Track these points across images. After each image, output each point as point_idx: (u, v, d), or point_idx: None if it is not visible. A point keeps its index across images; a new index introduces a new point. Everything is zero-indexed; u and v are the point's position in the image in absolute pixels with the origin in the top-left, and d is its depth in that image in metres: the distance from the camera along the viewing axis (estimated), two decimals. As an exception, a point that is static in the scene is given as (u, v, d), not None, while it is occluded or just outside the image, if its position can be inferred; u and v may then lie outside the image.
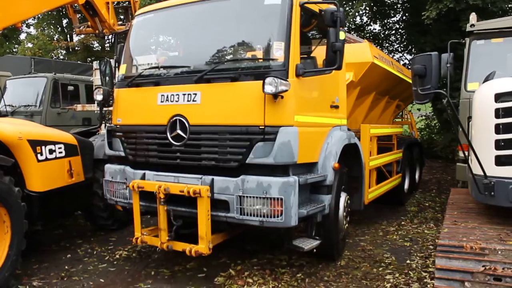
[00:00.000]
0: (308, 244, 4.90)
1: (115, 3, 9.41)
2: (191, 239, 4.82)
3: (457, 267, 3.20)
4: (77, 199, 6.18)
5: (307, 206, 4.76)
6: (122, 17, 10.30)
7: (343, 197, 5.57)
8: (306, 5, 4.82)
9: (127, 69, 5.73)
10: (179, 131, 4.89)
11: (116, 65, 6.09)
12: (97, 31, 8.92)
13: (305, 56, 5.06)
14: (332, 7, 4.63)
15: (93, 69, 10.83)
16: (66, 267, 5.41)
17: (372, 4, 17.33)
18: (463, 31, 11.88)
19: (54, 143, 5.61)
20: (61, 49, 25.81)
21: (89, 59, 22.28)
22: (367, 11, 18.23)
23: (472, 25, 7.13)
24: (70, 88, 11.38)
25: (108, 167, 5.61)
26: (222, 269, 5.30)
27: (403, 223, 7.69)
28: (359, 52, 6.65)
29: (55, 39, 25.51)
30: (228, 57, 5.06)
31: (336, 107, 5.49)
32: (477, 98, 4.05)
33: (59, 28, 26.08)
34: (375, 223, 7.58)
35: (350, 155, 5.76)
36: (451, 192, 5.67)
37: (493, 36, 7.00)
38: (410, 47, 18.76)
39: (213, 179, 4.64)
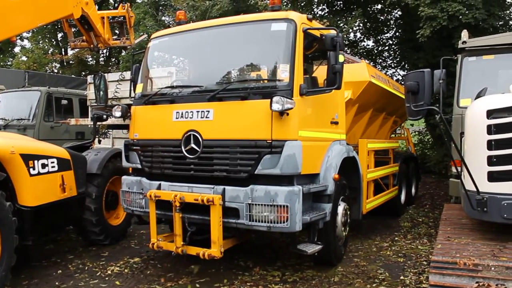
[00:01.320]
0: (311, 248, 5.28)
1: (110, 18, 9.47)
2: (204, 244, 5.19)
3: (450, 284, 3.19)
4: (69, 214, 6.15)
5: (310, 213, 5.15)
6: (117, 31, 10.31)
7: (341, 206, 5.94)
8: (308, 30, 5.27)
9: (143, 88, 6.17)
10: (193, 145, 5.31)
11: (132, 84, 6.54)
12: (92, 46, 8.91)
13: (307, 76, 5.46)
14: (332, 32, 5.13)
15: (87, 83, 10.80)
16: (57, 283, 5.34)
17: (365, 20, 17.53)
18: (455, 47, 12.04)
19: (47, 157, 5.58)
20: (56, 62, 25.85)
21: (84, 73, 22.30)
22: (360, 28, 18.40)
23: (464, 42, 7.22)
24: (64, 102, 11.34)
25: (125, 178, 6.00)
26: (215, 285, 5.25)
27: (396, 238, 7.68)
28: (357, 72, 7.04)
29: (49, 52, 25.54)
30: (238, 78, 5.59)
31: (336, 123, 5.93)
32: (469, 115, 4.09)
33: (54, 41, 26.15)
34: (369, 238, 7.56)
35: (349, 168, 6.15)
36: (444, 207, 5.68)
37: (484, 53, 7.08)
38: (403, 63, 18.92)
39: (224, 188, 5.05)
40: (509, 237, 3.94)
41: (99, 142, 8.91)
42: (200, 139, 5.28)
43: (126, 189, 5.91)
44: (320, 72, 5.59)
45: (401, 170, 9.35)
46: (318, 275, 5.63)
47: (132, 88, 6.50)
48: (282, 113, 4.81)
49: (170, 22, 20.97)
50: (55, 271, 5.75)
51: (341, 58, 5.05)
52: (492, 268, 3.20)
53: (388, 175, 8.61)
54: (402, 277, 5.57)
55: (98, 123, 8.34)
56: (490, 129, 3.81)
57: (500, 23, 13.75)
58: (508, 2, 15.43)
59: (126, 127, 9.74)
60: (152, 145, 5.77)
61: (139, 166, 5.86)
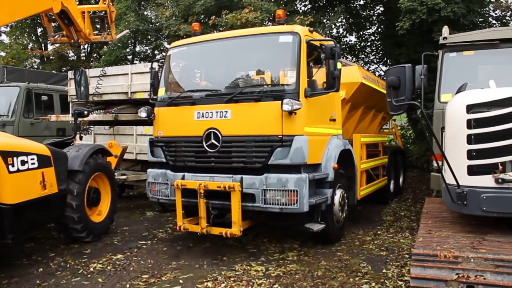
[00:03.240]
0: (316, 226, 6.17)
1: (91, 12, 9.33)
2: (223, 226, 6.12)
3: (431, 276, 3.24)
4: (50, 211, 6.05)
5: (315, 197, 6.03)
6: (98, 26, 10.18)
7: (338, 192, 6.75)
8: (310, 41, 6.12)
9: (165, 92, 6.96)
10: (213, 141, 6.16)
11: (151, 89, 7.24)
12: (72, 41, 8.80)
13: (308, 79, 6.17)
14: (331, 43, 6.03)
15: (68, 78, 10.66)
16: (38, 281, 5.25)
17: (348, 16, 17.60)
18: (436, 42, 12.19)
19: (27, 154, 5.48)
20: (35, 58, 25.37)
21: (64, 69, 21.95)
22: (343, 23, 18.49)
23: (445, 38, 7.29)
24: (44, 98, 11.17)
25: (151, 171, 6.82)
26: (198, 281, 5.24)
27: (379, 232, 7.75)
28: (350, 74, 7.71)
29: (29, 48, 25.06)
30: (251, 83, 6.53)
31: (334, 120, 6.86)
32: (450, 109, 4.13)
33: (34, 36, 25.62)
34: (352, 232, 7.62)
35: (345, 159, 6.93)
36: (426, 201, 5.75)
37: (464, 49, 7.15)
38: (385, 59, 19.10)
39: (242, 177, 5.90)
40: (488, 230, 4.01)
41: (81, 138, 8.83)
42: (220, 136, 6.12)
43: (152, 180, 6.72)
44: (318, 75, 6.33)
45: (390, 162, 10.25)
46: (302, 269, 5.66)
47: (151, 91, 7.20)
48: (291, 112, 5.68)
49: (152, 17, 20.78)
50: (36, 269, 5.65)
51: (339, 65, 5.96)
52: (472, 260, 3.25)
53: (378, 166, 9.48)
54: (384, 270, 5.63)
55: (79, 119, 8.25)
56: (470, 124, 3.86)
57: (480, 19, 13.94)
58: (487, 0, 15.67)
59: (107, 123, 9.69)
60: (175, 142, 6.57)
61: (163, 160, 6.67)
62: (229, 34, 7.07)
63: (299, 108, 5.69)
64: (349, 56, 19.23)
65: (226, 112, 6.11)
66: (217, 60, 6.93)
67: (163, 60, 7.45)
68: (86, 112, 7.49)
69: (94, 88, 9.65)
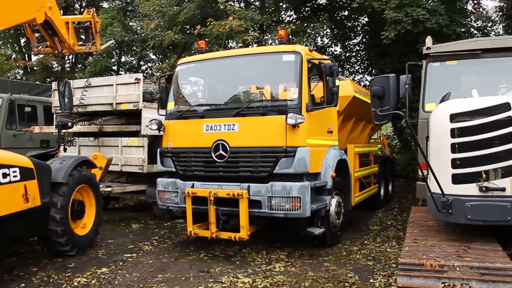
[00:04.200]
0: (317, 230, 6.62)
1: (76, 23, 9.27)
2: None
3: (417, 285, 3.24)
4: (32, 224, 5.92)
5: (315, 203, 6.47)
6: (83, 37, 10.12)
7: (335, 199, 7.16)
8: (311, 60, 6.66)
9: (174, 105, 7.36)
10: (221, 152, 6.59)
11: (159, 102, 7.70)
12: (56, 51, 8.68)
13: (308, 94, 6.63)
14: (329, 62, 6.57)
15: (52, 90, 10.54)
16: (20, 297, 5.15)
17: (333, 26, 17.76)
18: (420, 53, 12.35)
19: (8, 166, 5.38)
20: (19, 69, 25.11)
21: (48, 80, 21.73)
22: (328, 33, 18.63)
23: (428, 48, 7.38)
24: (27, 109, 11.04)
25: (161, 180, 7.24)
26: (184, 294, 5.18)
27: (366, 242, 7.75)
28: (343, 88, 7.79)
29: (12, 58, 24.79)
30: (257, 98, 7.03)
31: (331, 132, 7.38)
32: (434, 119, 4.17)
33: (17, 47, 25.37)
34: (339, 243, 7.60)
35: (340, 168, 7.36)
36: (412, 210, 5.78)
37: (447, 59, 7.25)
38: (370, 69, 19.28)
39: (249, 185, 6.33)
40: (473, 238, 4.02)
41: (65, 150, 8.70)
42: (228, 147, 6.54)
43: (162, 189, 7.12)
44: (316, 89, 6.90)
45: (380, 170, 10.83)
46: (289, 280, 5.62)
47: (159, 105, 7.64)
48: (294, 125, 6.15)
49: (138, 28, 20.75)
50: (18, 285, 5.51)
51: (337, 82, 6.47)
52: (457, 269, 3.26)
53: (369, 174, 10.06)
54: (371, 280, 5.61)
55: (64, 130, 8.14)
56: (454, 133, 3.89)
57: (462, 29, 14.18)
58: (469, 10, 15.96)
59: (92, 134, 9.59)
60: (185, 152, 6.99)
61: (173, 169, 7.07)
62: (235, 52, 7.76)
63: (302, 122, 6.18)
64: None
65: (234, 125, 6.56)
66: (224, 76, 7.47)
67: (168, 74, 8.03)
68: (70, 124, 7.39)
69: (78, 99, 9.56)
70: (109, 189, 9.04)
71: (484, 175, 3.76)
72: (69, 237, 6.46)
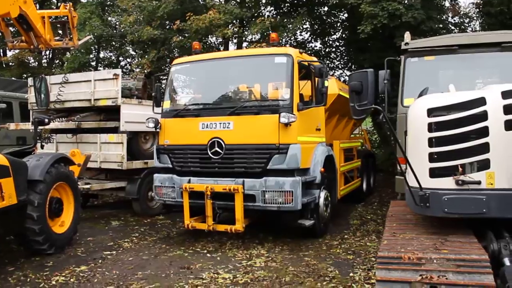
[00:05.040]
0: (307, 222, 7.06)
1: (52, 18, 9.08)
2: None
3: (396, 278, 3.27)
4: (9, 223, 5.81)
5: (306, 197, 6.89)
6: (60, 32, 9.91)
7: (323, 192, 7.53)
8: (301, 62, 7.09)
9: (170, 104, 7.72)
10: (217, 149, 6.96)
11: (154, 101, 8.00)
12: (32, 46, 8.47)
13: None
14: (319, 64, 7.00)
15: (28, 86, 10.33)
16: (-4, 297, 5.06)
17: (312, 22, 17.80)
18: (398, 48, 12.46)
19: (-17, 164, 5.26)
20: (-7, 64, 24.50)
21: (25, 76, 21.29)
22: (308, 28, 18.65)
23: (406, 44, 7.45)
24: (2, 105, 10.81)
25: (157, 175, 7.56)
26: (165, 291, 5.15)
27: (346, 236, 7.83)
28: (328, 86, 8.03)
29: (-14, 54, 24.19)
30: (251, 98, 7.37)
31: (319, 129, 7.83)
32: (411, 113, 4.20)
33: (-9, 42, 24.78)
34: (326, 233, 7.68)
35: (327, 163, 7.74)
36: (391, 204, 5.84)
37: (426, 54, 7.33)
38: (350, 64, 19.39)
39: (243, 180, 6.71)
40: (450, 231, 4.08)
41: (42, 147, 8.55)
42: (223, 144, 6.90)
43: (159, 184, 7.46)
44: (305, 88, 7.24)
45: (363, 165, 11.33)
46: (269, 275, 5.64)
47: (154, 104, 7.93)
48: (287, 124, 6.53)
49: (117, 23, 20.48)
50: (-6, 285, 5.44)
51: (326, 83, 6.88)
52: (435, 261, 3.31)
53: (353, 169, 10.54)
54: (351, 274, 5.69)
55: (40, 127, 8.00)
56: (431, 127, 3.92)
57: (439, 25, 14.36)
58: (445, 7, 16.18)
59: (70, 131, 9.45)
60: (181, 149, 7.35)
61: (169, 165, 7.41)
62: (229, 54, 8.45)
63: (294, 121, 6.57)
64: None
65: (229, 123, 6.92)
66: (219, 76, 7.71)
67: (161, 74, 8.51)
68: (47, 120, 7.27)
69: (55, 95, 9.40)
70: (87, 186, 8.94)
71: (460, 169, 3.81)
72: (46, 235, 6.36)
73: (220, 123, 6.98)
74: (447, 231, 4.07)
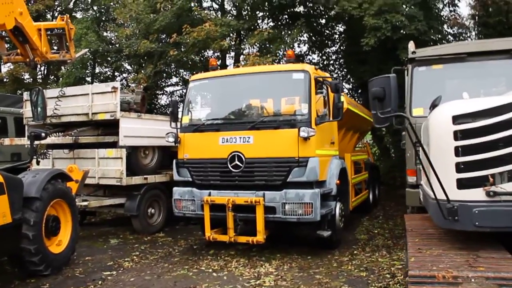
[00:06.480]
0: (326, 233, 7.18)
1: (49, 30, 8.83)
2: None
3: (432, 300, 3.00)
4: (2, 243, 5.48)
5: (323, 208, 7.00)
6: (56, 47, 9.66)
7: (338, 204, 7.69)
8: (317, 78, 7.32)
9: (189, 119, 7.89)
10: (237, 162, 7.12)
11: (172, 116, 8.02)
12: (27, 59, 8.20)
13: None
14: (335, 81, 7.20)
15: (24, 100, 10.04)
16: (-11, 323, 4.70)
17: (311, 34, 17.69)
18: (399, 59, 12.33)
19: (-24, 181, 4.95)
20: (-13, 80, 24.14)
21: (20, 92, 20.95)
22: (305, 40, 18.53)
23: (414, 52, 7.29)
24: (-4, 121, 10.51)
25: (177, 189, 7.70)
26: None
27: (355, 252, 7.55)
28: None
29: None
30: (270, 113, 7.64)
31: (333, 143, 8.03)
32: (434, 122, 3.96)
33: (-15, 58, 24.44)
34: (328, 253, 7.38)
35: (340, 176, 7.86)
36: (406, 218, 5.56)
37: (433, 63, 7.18)
38: (348, 76, 19.26)
39: (264, 193, 6.88)
40: (479, 246, 3.82)
41: (38, 163, 8.21)
42: (243, 158, 7.07)
43: (179, 197, 7.60)
44: (319, 102, 7.34)
45: (370, 176, 11.67)
46: (281, 295, 5.34)
47: (171, 119, 7.96)
48: (306, 138, 6.72)
49: (113, 37, 20.31)
50: (-13, 310, 5.09)
51: (342, 98, 7.09)
52: (472, 280, 3.04)
53: (361, 181, 10.83)
54: (367, 293, 5.40)
55: (36, 142, 7.69)
56: (457, 135, 3.68)
57: (439, 36, 14.28)
58: (445, 16, 16.14)
59: (67, 146, 9.14)
60: (201, 163, 7.50)
61: (189, 179, 7.56)
62: (247, 70, 8.63)
63: (314, 135, 6.78)
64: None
65: (249, 137, 7.09)
66: (237, 92, 7.94)
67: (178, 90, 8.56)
68: (43, 135, 6.96)
69: (52, 109, 9.12)
70: (85, 203, 8.61)
71: (491, 179, 3.56)
72: (43, 255, 6.02)
73: (240, 137, 7.15)
74: (476, 247, 3.80)
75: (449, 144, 3.72)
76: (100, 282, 6.04)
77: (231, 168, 7.14)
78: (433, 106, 4.61)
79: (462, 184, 3.65)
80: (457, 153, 3.69)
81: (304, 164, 6.79)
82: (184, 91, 9.18)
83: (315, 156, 6.90)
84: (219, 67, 8.58)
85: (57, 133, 9.20)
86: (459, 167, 3.68)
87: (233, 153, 7.12)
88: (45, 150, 9.20)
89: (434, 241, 4.12)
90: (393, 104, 3.58)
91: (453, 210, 3.61)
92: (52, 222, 6.39)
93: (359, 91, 19.92)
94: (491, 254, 3.56)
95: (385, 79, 3.66)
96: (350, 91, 19.52)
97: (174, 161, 7.86)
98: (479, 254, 3.60)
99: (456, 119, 3.73)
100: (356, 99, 17.66)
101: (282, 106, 7.79)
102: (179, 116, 8.10)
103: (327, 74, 8.64)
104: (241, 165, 7.07)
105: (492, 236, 3.99)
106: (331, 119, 7.37)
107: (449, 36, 15.88)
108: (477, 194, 3.59)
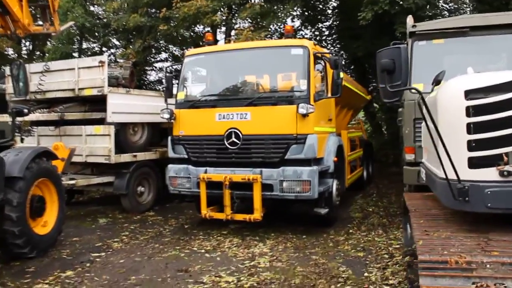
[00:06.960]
0: (323, 210, 7.14)
1: (31, 1, 8.36)
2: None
3: (445, 287, 2.79)
4: (-16, 225, 5.20)
5: (321, 186, 6.91)
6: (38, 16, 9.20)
7: (335, 181, 7.64)
8: (316, 54, 7.17)
9: (185, 95, 7.71)
10: (234, 139, 7.00)
11: (166, 93, 8.04)
12: (9, 32, 7.77)
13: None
14: (335, 56, 7.05)
15: (6, 75, 9.62)
16: (-30, 309, 4.46)
17: (304, 9, 17.26)
18: (394, 35, 12.03)
19: (-47, 159, 4.64)
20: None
21: (3, 68, 20.33)
22: (298, 16, 18.10)
23: (414, 26, 7.00)
24: (-23, 96, 10.06)
25: (172, 166, 7.57)
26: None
27: (351, 231, 7.41)
28: None
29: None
30: (268, 89, 7.45)
31: (331, 120, 7.97)
32: (443, 97, 3.67)
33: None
34: (323, 232, 7.22)
35: (338, 153, 7.84)
36: (406, 197, 5.33)
37: (434, 37, 6.90)
38: (341, 52, 18.90)
39: (261, 170, 6.79)
40: (489, 228, 3.61)
41: (22, 140, 7.86)
42: (240, 135, 6.95)
43: (174, 174, 7.46)
44: (317, 79, 7.25)
45: (364, 154, 11.65)
46: (277, 277, 5.16)
47: (166, 95, 7.95)
48: (304, 115, 6.61)
49: (100, 12, 19.69)
50: (-32, 295, 4.83)
51: (341, 75, 6.91)
52: (487, 266, 2.83)
53: (356, 158, 10.77)
54: (366, 274, 5.24)
55: (19, 119, 7.35)
56: (469, 111, 3.43)
57: (435, 11, 13.96)
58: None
59: (52, 123, 8.78)
60: (197, 140, 7.35)
61: (185, 156, 7.42)
62: (244, 45, 8.36)
63: (312, 112, 6.65)
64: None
65: (246, 114, 6.96)
66: (234, 68, 7.81)
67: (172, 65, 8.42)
68: (26, 111, 6.60)
69: (36, 85, 8.74)
70: (72, 182, 8.32)
71: (505, 158, 3.33)
72: (27, 237, 5.76)
73: (237, 114, 7.01)
74: (485, 228, 3.59)
75: (461, 121, 3.46)
76: (88, 265, 5.80)
77: (228, 145, 7.02)
78: (436, 81, 4.34)
79: (473, 163, 3.41)
80: (469, 130, 3.43)
81: (302, 141, 6.69)
82: (175, 67, 8.88)
83: (314, 133, 6.80)
84: (217, 42, 8.23)
85: (42, 110, 8.84)
86: (471, 145, 3.42)
87: (230, 130, 7.00)
88: (29, 127, 8.83)
89: (440, 223, 3.91)
90: (403, 77, 3.32)
91: (463, 191, 3.37)
92: (37, 203, 6.12)
93: (352, 67, 19.65)
94: (502, 237, 3.35)
95: (395, 50, 3.39)
96: (343, 67, 19.23)
97: (169, 137, 7.68)
98: (489, 236, 3.39)
99: (469, 94, 3.47)
100: (349, 75, 17.37)
101: (280, 82, 7.62)
102: (174, 92, 7.91)
103: (326, 50, 8.48)
104: (238, 142, 6.96)
105: (501, 218, 3.78)
106: (329, 95, 7.27)
107: (445, 12, 15.59)
108: (489, 174, 3.35)
